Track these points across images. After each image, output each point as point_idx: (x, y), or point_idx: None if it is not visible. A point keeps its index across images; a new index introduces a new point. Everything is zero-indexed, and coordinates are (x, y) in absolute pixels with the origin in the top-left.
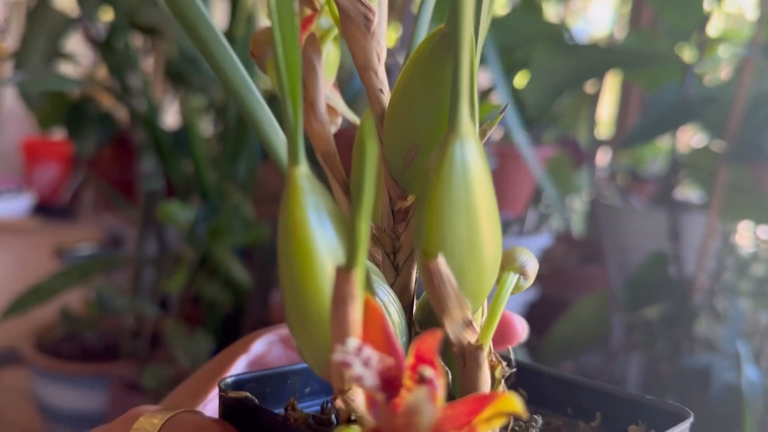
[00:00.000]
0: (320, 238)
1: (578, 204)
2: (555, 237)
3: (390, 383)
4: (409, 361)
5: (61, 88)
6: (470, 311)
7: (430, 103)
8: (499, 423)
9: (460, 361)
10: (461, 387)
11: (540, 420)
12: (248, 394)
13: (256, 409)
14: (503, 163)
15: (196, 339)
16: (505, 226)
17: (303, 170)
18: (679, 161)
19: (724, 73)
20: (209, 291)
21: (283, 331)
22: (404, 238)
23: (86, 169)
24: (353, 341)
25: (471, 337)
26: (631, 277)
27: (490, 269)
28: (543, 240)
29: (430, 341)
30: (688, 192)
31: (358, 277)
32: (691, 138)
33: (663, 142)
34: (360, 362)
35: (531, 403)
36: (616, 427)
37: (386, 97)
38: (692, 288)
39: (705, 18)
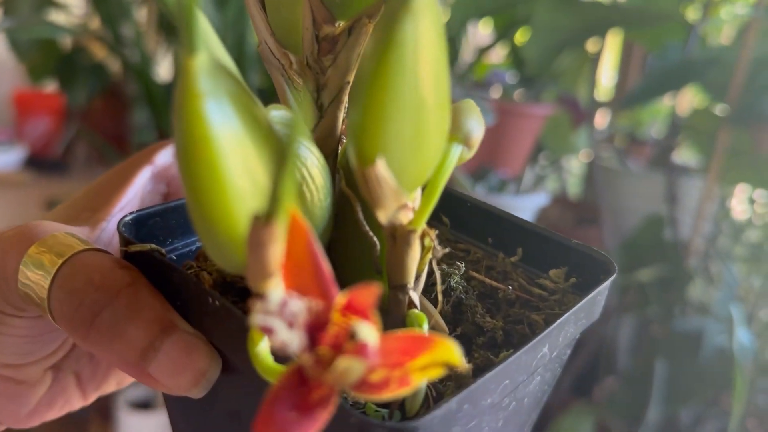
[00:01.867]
0: (228, 156)
1: (575, 165)
2: (551, 198)
3: (317, 324)
4: (341, 301)
5: (51, 35)
6: (406, 197)
7: None
8: (436, 374)
9: (389, 239)
10: (388, 261)
11: (463, 267)
12: (153, 246)
13: (163, 265)
14: (502, 120)
15: None
16: (502, 185)
17: (203, 61)
18: (679, 123)
19: (726, 34)
20: None
21: None
22: (330, 74)
23: (78, 121)
24: (275, 295)
25: (404, 219)
26: (627, 239)
27: (433, 158)
28: (540, 199)
29: (368, 296)
30: (685, 155)
31: (279, 228)
32: (691, 101)
33: (663, 105)
34: (284, 324)
35: (452, 228)
36: (537, 265)
37: None
38: (687, 251)
39: None
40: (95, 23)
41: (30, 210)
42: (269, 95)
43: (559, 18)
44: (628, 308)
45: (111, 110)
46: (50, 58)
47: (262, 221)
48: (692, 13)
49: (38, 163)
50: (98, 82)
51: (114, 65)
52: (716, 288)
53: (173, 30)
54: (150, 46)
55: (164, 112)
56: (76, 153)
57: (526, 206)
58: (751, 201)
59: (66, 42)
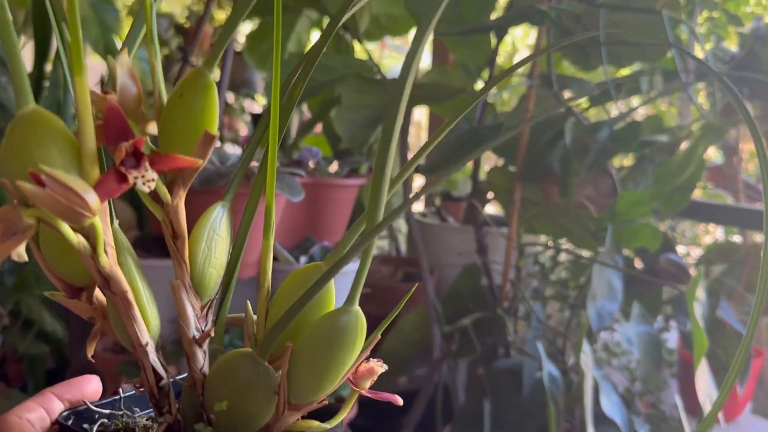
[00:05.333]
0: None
1: (404, 225)
2: (383, 257)
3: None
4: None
5: None
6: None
7: None
8: None
9: None
10: None
11: None
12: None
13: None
14: (315, 194)
15: (14, 398)
16: (326, 253)
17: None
18: (479, 183)
19: (511, 102)
20: (23, 346)
21: None
22: None
23: None
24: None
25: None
26: (449, 290)
27: None
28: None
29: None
30: (496, 209)
31: None
32: (494, 160)
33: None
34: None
35: None
36: None
37: None
38: (501, 297)
39: (494, 53)
40: None
41: None
42: None
43: (365, 97)
44: (456, 354)
45: None
46: None
47: None
48: (482, 86)
49: None
50: None
51: None
52: (527, 327)
53: None
54: None
55: None
56: None
57: (348, 270)
58: (555, 246)
59: None
